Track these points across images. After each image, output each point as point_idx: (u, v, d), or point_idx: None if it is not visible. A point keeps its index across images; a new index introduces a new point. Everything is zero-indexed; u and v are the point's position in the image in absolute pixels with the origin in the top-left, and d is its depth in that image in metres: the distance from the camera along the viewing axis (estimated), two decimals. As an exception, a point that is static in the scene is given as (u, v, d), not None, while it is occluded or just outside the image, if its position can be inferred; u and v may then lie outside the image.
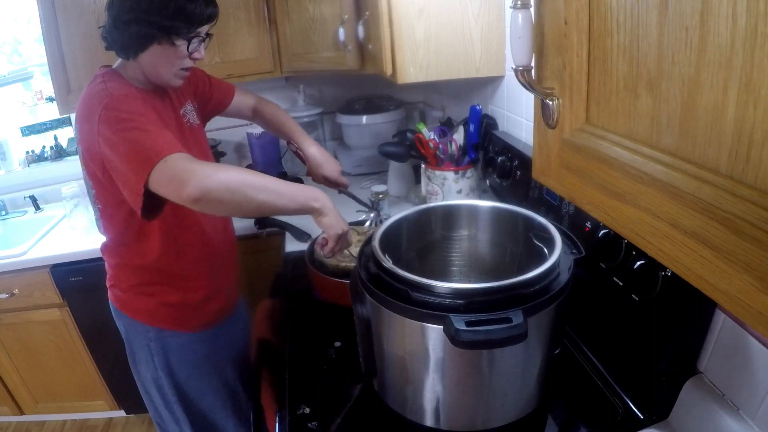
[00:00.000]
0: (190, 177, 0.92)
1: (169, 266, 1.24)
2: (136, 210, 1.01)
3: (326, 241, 1.10)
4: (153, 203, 1.01)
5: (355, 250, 1.14)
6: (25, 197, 2.31)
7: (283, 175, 2.11)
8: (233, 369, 1.42)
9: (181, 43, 1.09)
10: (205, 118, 1.43)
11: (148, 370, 1.32)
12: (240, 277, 1.49)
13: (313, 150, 1.43)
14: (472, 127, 1.48)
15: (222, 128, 2.33)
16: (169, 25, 1.05)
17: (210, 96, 1.44)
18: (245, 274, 1.99)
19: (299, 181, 2.09)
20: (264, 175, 1.03)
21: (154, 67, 1.12)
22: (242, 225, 1.88)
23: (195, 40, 1.11)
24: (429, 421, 0.80)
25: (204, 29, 1.12)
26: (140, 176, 0.95)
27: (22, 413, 2.25)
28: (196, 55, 1.14)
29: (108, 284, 1.31)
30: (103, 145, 1.00)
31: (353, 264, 1.12)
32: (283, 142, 2.32)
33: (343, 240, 1.10)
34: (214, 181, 0.93)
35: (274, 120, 1.52)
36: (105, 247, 1.28)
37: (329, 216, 1.06)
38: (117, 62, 1.16)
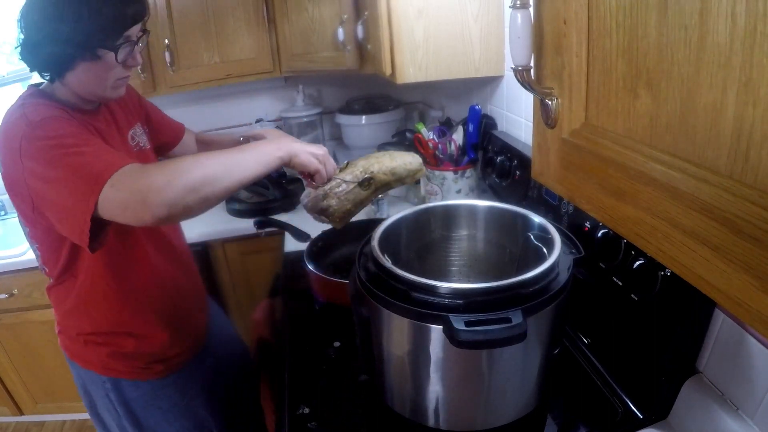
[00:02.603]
0: (147, 197, 0.79)
1: (119, 312, 1.11)
2: (81, 244, 0.87)
3: (311, 177, 1.01)
4: (96, 230, 0.87)
5: (345, 175, 1.06)
6: (24, 197, 2.30)
7: (281, 176, 2.10)
8: (207, 407, 1.31)
9: (108, 55, 0.93)
10: (155, 148, 1.29)
11: (112, 418, 1.20)
12: (205, 306, 1.38)
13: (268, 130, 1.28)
14: (471, 127, 1.48)
15: (221, 128, 2.34)
16: (86, 40, 0.89)
17: (161, 126, 1.32)
18: (244, 275, 2.00)
19: (299, 182, 2.09)
20: (218, 154, 0.89)
21: (83, 86, 0.97)
22: (241, 226, 1.88)
23: (124, 48, 0.95)
24: (429, 421, 0.80)
25: (134, 31, 0.96)
26: (86, 206, 0.81)
27: (21, 413, 2.24)
28: (129, 62, 0.98)
29: (56, 330, 1.19)
30: (32, 181, 0.87)
31: (352, 186, 1.04)
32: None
33: (328, 164, 1.00)
34: (175, 190, 0.80)
35: (219, 137, 1.43)
36: (49, 290, 1.14)
37: (299, 155, 0.95)
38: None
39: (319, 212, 1.07)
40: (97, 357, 1.14)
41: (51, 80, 0.97)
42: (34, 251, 1.08)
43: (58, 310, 1.15)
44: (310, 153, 0.97)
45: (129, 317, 1.12)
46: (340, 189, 1.05)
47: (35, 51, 0.91)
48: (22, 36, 0.91)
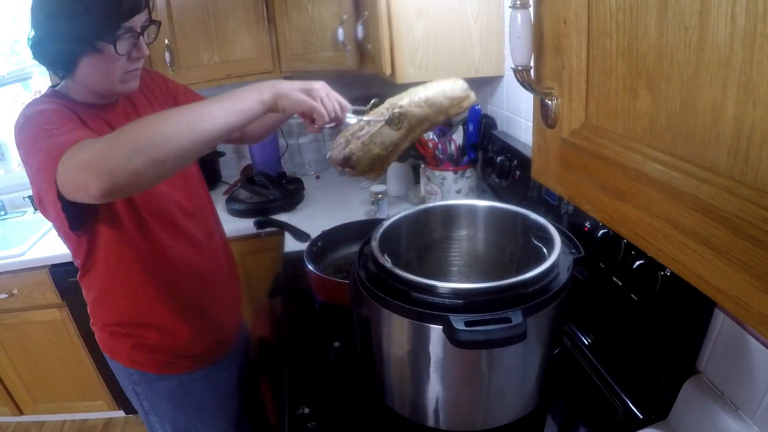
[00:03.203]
0: (89, 168, 0.74)
1: (140, 303, 1.09)
2: (63, 227, 0.88)
3: (310, 119, 0.88)
4: (83, 213, 0.87)
5: (370, 115, 0.91)
6: (24, 197, 2.30)
7: (281, 176, 2.11)
8: (238, 401, 1.26)
9: (109, 48, 0.90)
10: None
11: (141, 413, 1.19)
12: (240, 301, 1.35)
13: None
14: (471, 127, 1.48)
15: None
16: (83, 33, 0.88)
17: None
18: (245, 275, 2.00)
19: (299, 182, 2.09)
20: (180, 108, 0.80)
21: (93, 81, 0.96)
22: (242, 226, 1.88)
23: (124, 39, 0.91)
24: (429, 421, 0.80)
25: (136, 22, 0.92)
26: (51, 188, 0.78)
27: (21, 413, 2.24)
28: (134, 54, 0.94)
29: (90, 322, 1.17)
30: (27, 171, 0.87)
31: (379, 126, 0.88)
32: (282, 142, 2.34)
33: (326, 101, 0.87)
34: (116, 155, 0.73)
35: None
36: (80, 280, 1.12)
37: (287, 95, 0.84)
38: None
39: (343, 163, 0.90)
40: (122, 348, 1.13)
41: (62, 77, 0.97)
42: (65, 244, 1.07)
43: (87, 300, 1.14)
44: (299, 90, 0.85)
45: (150, 309, 1.10)
46: (364, 132, 0.89)
47: (41, 48, 0.91)
48: (32, 34, 0.91)
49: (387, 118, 0.87)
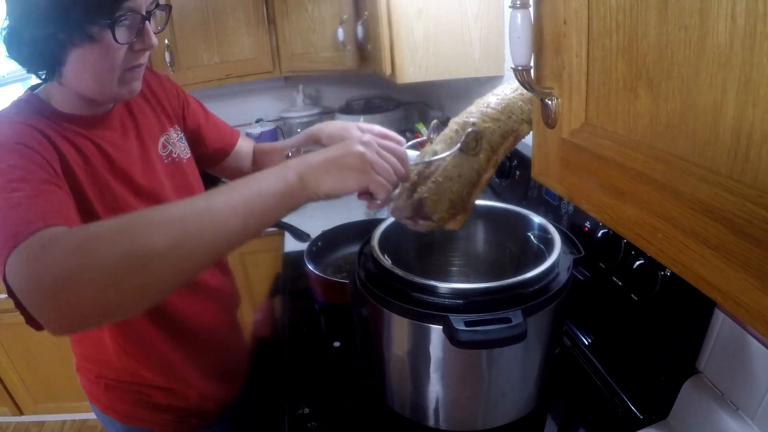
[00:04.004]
0: (44, 298, 0.51)
1: (138, 366, 0.93)
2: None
3: (367, 196, 0.65)
4: None
5: (435, 145, 0.73)
6: (24, 197, 2.30)
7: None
8: None
9: (105, 34, 0.69)
10: (201, 157, 1.05)
11: None
12: (248, 349, 1.24)
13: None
14: (471, 127, 1.48)
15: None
16: (69, 16, 0.66)
17: (204, 131, 1.06)
18: (244, 275, 2.00)
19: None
20: (170, 206, 0.57)
21: (84, 82, 0.74)
22: (241, 225, 1.88)
23: (124, 24, 0.71)
24: (429, 421, 0.80)
25: (140, 3, 0.71)
26: (1, 272, 0.57)
27: (21, 413, 2.25)
28: (138, 44, 0.74)
29: (74, 368, 1.00)
30: None
31: (452, 158, 0.69)
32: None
33: (379, 162, 0.62)
34: (80, 288, 0.50)
35: (279, 145, 1.14)
36: None
37: (327, 173, 0.60)
38: None
39: (413, 215, 0.70)
40: (120, 403, 0.97)
41: (45, 79, 0.76)
42: None
43: (74, 349, 0.98)
44: (337, 159, 0.60)
45: (150, 372, 0.95)
46: (433, 167, 0.70)
47: (17, 39, 0.70)
48: (6, 23, 0.70)
49: (460, 144, 0.68)
